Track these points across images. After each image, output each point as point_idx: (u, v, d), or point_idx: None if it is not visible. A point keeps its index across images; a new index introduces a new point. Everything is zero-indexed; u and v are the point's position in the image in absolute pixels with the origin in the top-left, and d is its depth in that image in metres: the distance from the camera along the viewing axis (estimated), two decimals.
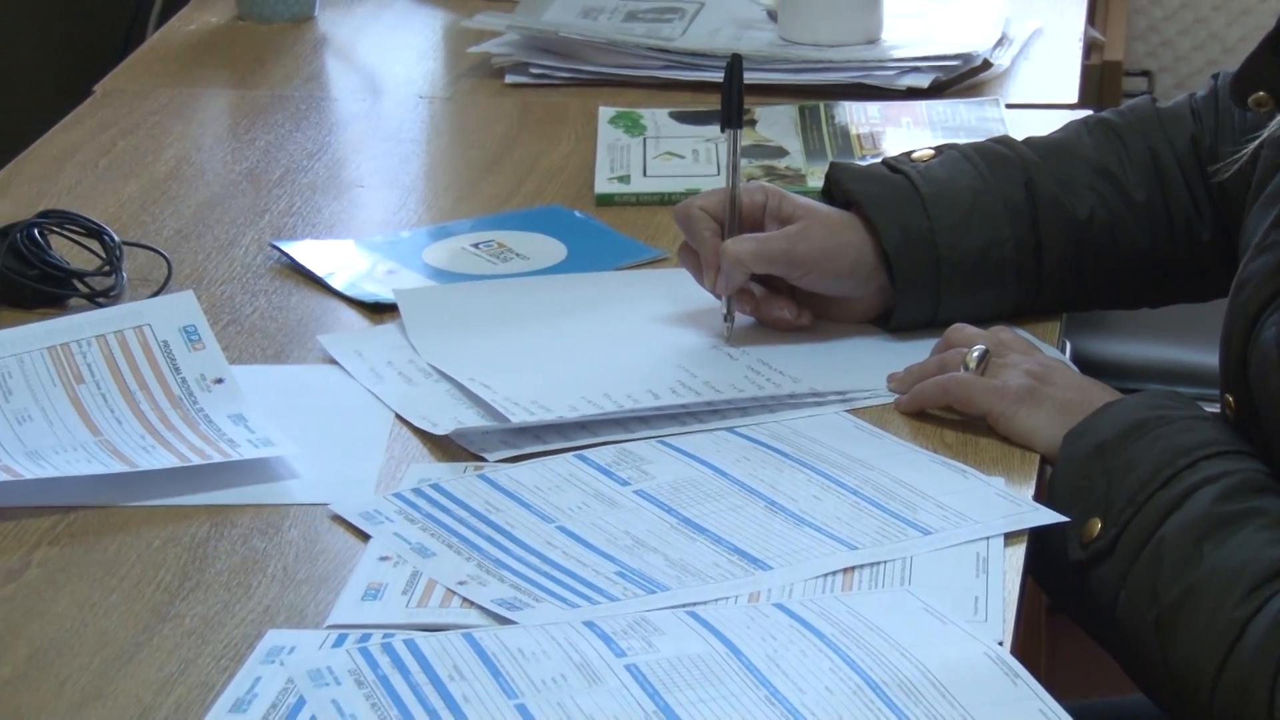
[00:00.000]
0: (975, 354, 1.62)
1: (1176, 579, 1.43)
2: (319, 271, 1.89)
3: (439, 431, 1.61)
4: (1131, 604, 1.45)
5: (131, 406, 1.62)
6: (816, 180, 2.04)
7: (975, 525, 1.47)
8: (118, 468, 1.56)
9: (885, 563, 1.44)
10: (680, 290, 1.83)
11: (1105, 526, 1.48)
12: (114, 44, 2.52)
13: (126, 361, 1.65)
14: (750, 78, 2.27)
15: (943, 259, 1.72)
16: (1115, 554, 1.47)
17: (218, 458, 1.57)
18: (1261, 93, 1.60)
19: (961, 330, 1.68)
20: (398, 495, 1.53)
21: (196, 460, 1.57)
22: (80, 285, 1.85)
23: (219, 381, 1.65)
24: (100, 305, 1.81)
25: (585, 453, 1.58)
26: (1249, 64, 1.61)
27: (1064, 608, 1.58)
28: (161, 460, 1.57)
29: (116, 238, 1.87)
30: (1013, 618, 1.38)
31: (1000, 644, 1.34)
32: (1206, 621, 1.40)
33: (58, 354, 1.64)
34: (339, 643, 1.35)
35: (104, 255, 1.87)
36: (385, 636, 1.35)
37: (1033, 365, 1.62)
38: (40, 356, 1.64)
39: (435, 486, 1.53)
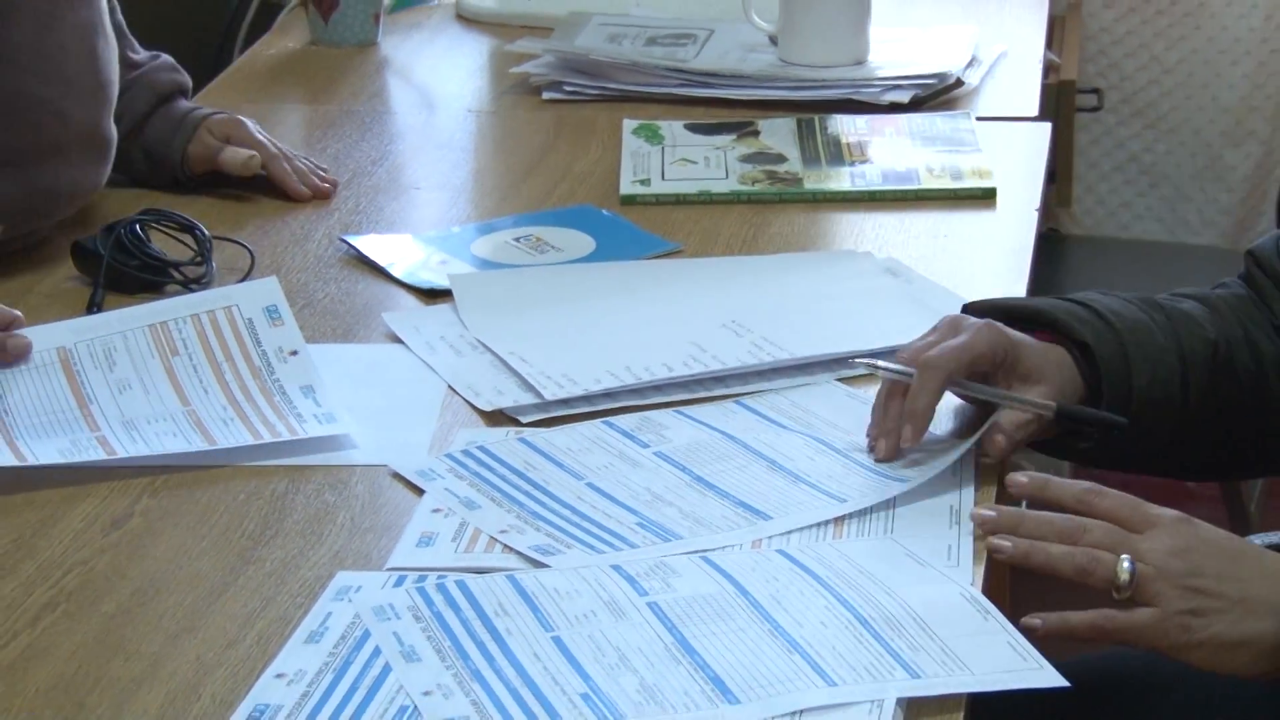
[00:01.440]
0: (1125, 571, 1.32)
1: None
2: (381, 262, 1.89)
3: (483, 405, 1.61)
4: None
5: (217, 376, 1.62)
6: (813, 183, 2.04)
7: (940, 462, 1.47)
8: (199, 444, 1.56)
9: (871, 514, 1.44)
10: (691, 278, 1.84)
11: None
12: (206, 66, 2.52)
13: (216, 336, 1.65)
14: (754, 94, 2.29)
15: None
16: None
17: (286, 435, 1.57)
18: None
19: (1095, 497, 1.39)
20: (448, 455, 1.53)
21: (268, 438, 1.57)
22: (176, 274, 1.85)
23: (294, 354, 1.65)
24: (192, 290, 1.81)
25: (611, 419, 1.57)
26: None
27: None
28: (237, 437, 1.57)
29: (207, 232, 1.88)
30: (982, 563, 1.38)
31: (971, 584, 1.34)
32: None
33: (157, 331, 1.65)
34: (399, 583, 1.35)
35: (196, 248, 1.87)
36: (438, 578, 1.36)
37: (1178, 567, 1.33)
38: (142, 333, 1.65)
39: (481, 448, 1.53)
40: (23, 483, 1.51)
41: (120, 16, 2.10)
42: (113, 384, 1.61)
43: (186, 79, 2.11)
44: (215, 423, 1.59)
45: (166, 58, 2.10)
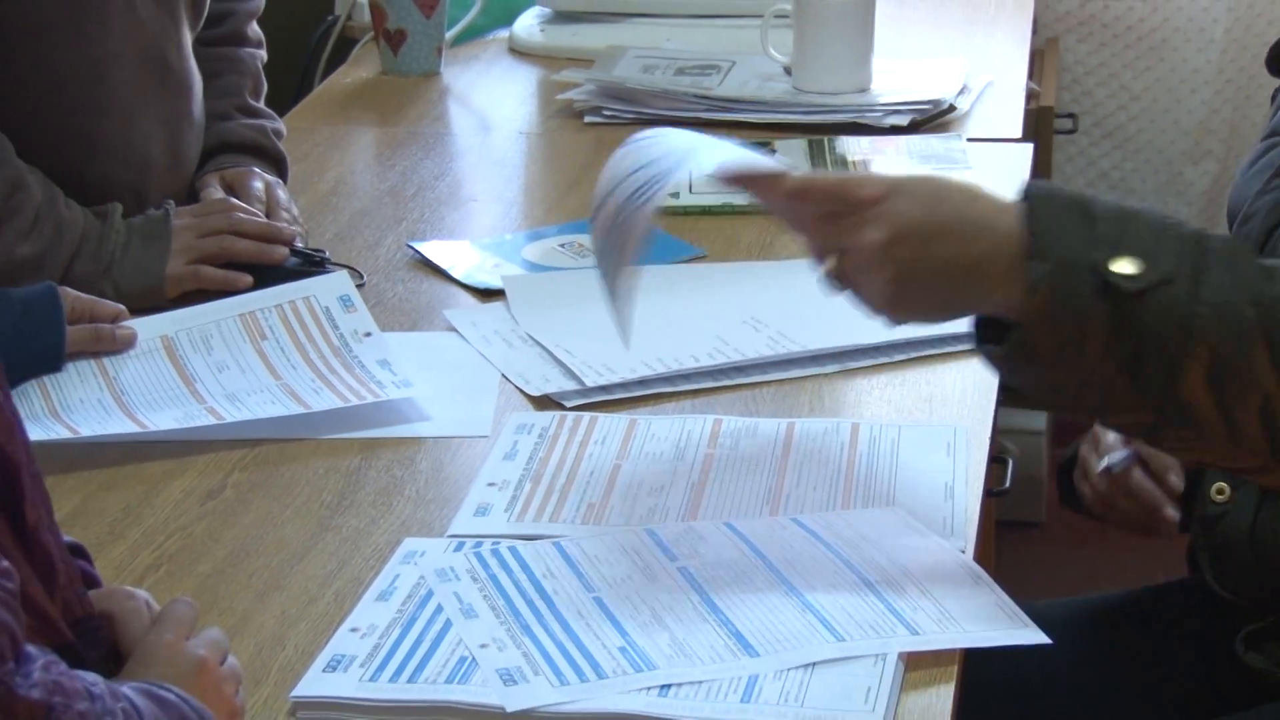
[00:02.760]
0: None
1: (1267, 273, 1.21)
2: (443, 265, 1.89)
3: (532, 391, 1.61)
4: (1224, 306, 1.20)
5: (303, 355, 1.63)
6: None
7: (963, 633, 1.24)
8: (295, 409, 1.56)
9: (875, 488, 1.43)
10: (715, 280, 1.83)
11: (1149, 261, 1.21)
12: (290, 93, 2.52)
13: (298, 322, 1.66)
14: (770, 118, 2.29)
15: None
16: (1176, 280, 1.21)
17: (369, 398, 1.58)
18: None
19: None
20: (476, 553, 1.34)
21: (354, 400, 1.57)
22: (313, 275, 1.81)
23: (368, 335, 1.66)
24: None
25: (654, 527, 1.37)
26: None
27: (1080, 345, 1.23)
28: (327, 401, 1.57)
29: (328, 254, 1.87)
30: (974, 533, 1.37)
31: (963, 552, 1.34)
32: None
33: (246, 319, 1.66)
34: (458, 548, 1.35)
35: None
36: (493, 544, 1.36)
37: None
38: (233, 321, 1.66)
39: (512, 549, 1.34)
40: (130, 459, 1.51)
41: (258, 63, 2.09)
42: (212, 365, 1.63)
43: (269, 143, 2.03)
44: (307, 391, 1.59)
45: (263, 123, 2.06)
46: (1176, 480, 1.62)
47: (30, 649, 0.92)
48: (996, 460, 1.64)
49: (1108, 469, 1.64)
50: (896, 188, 1.28)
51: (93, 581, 1.23)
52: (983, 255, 1.25)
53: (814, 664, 1.19)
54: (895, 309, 1.31)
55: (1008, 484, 1.92)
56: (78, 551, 1.23)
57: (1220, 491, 1.57)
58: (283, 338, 1.65)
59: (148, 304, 1.74)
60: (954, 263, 1.26)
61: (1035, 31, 2.75)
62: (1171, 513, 1.62)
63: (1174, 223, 1.26)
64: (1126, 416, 1.28)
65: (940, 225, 1.26)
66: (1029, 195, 1.26)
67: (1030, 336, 1.24)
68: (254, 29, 2.09)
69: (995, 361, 1.29)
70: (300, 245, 1.85)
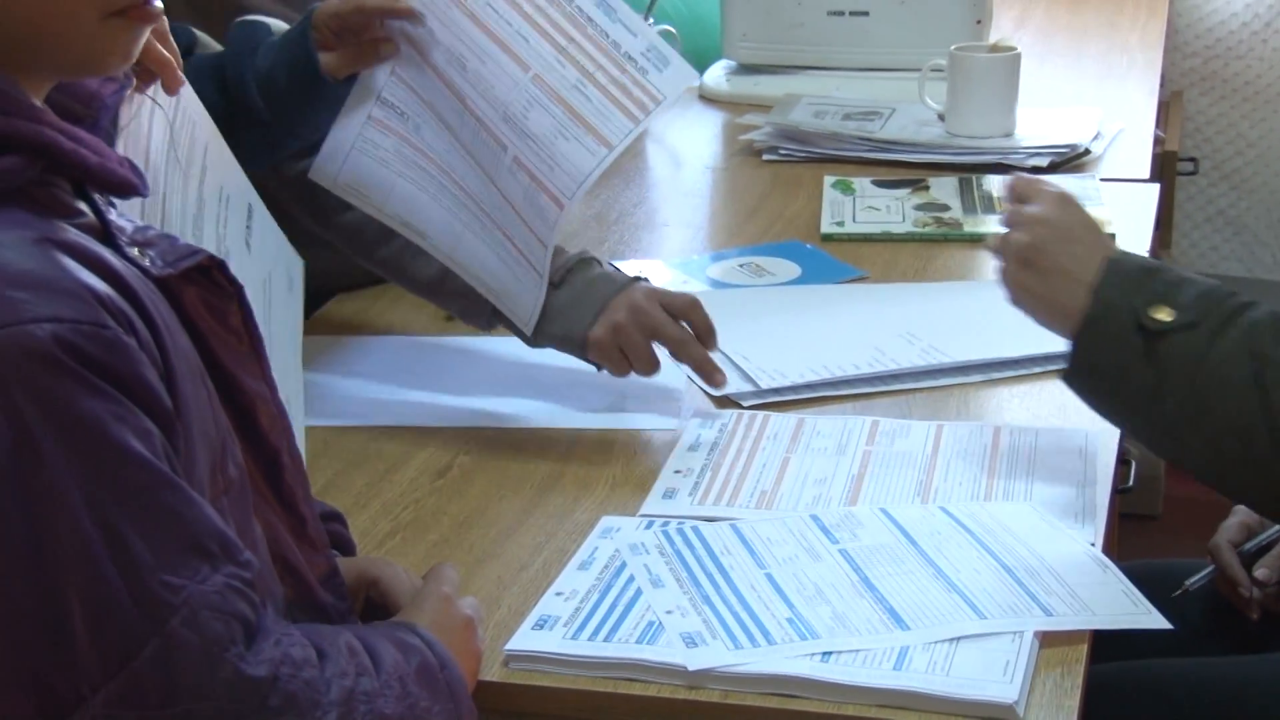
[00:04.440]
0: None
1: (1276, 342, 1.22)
2: None
3: (713, 392, 1.59)
4: (1223, 362, 1.22)
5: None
6: (970, 227, 2.00)
7: (1093, 616, 1.20)
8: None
9: (1015, 484, 1.40)
10: (875, 299, 1.80)
11: (1180, 311, 1.24)
12: None
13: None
14: (925, 158, 2.25)
15: None
16: (1199, 327, 1.23)
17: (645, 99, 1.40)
18: None
19: None
20: (664, 531, 1.32)
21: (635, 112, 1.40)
22: None
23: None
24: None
25: (818, 513, 1.35)
26: None
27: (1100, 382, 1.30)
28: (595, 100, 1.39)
29: None
30: (1102, 527, 1.33)
31: (1093, 544, 1.30)
32: None
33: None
34: (649, 526, 1.34)
35: None
36: (679, 523, 1.34)
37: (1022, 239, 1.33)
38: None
39: (695, 529, 1.32)
40: (375, 439, 1.52)
41: None
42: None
43: None
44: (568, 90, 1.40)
45: None
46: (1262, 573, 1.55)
47: (270, 624, 0.92)
48: (1122, 462, 1.59)
49: (1185, 590, 1.56)
50: (1055, 209, 1.35)
51: (347, 543, 1.24)
52: (1070, 287, 1.30)
53: (958, 638, 1.16)
54: (1014, 296, 1.35)
55: (1131, 482, 1.86)
56: (336, 518, 1.24)
57: None
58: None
59: None
60: (1053, 284, 1.31)
61: (1162, 85, 2.68)
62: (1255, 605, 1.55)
63: (1227, 293, 1.27)
64: (1159, 440, 1.30)
65: (1057, 256, 1.32)
66: (1114, 257, 1.30)
67: (1080, 360, 1.29)
68: None
69: (1064, 379, 1.33)
70: None
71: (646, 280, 1.59)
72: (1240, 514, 1.56)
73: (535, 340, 1.56)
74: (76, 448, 0.83)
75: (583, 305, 1.54)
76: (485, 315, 1.58)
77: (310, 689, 0.90)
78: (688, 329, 1.54)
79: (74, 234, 0.90)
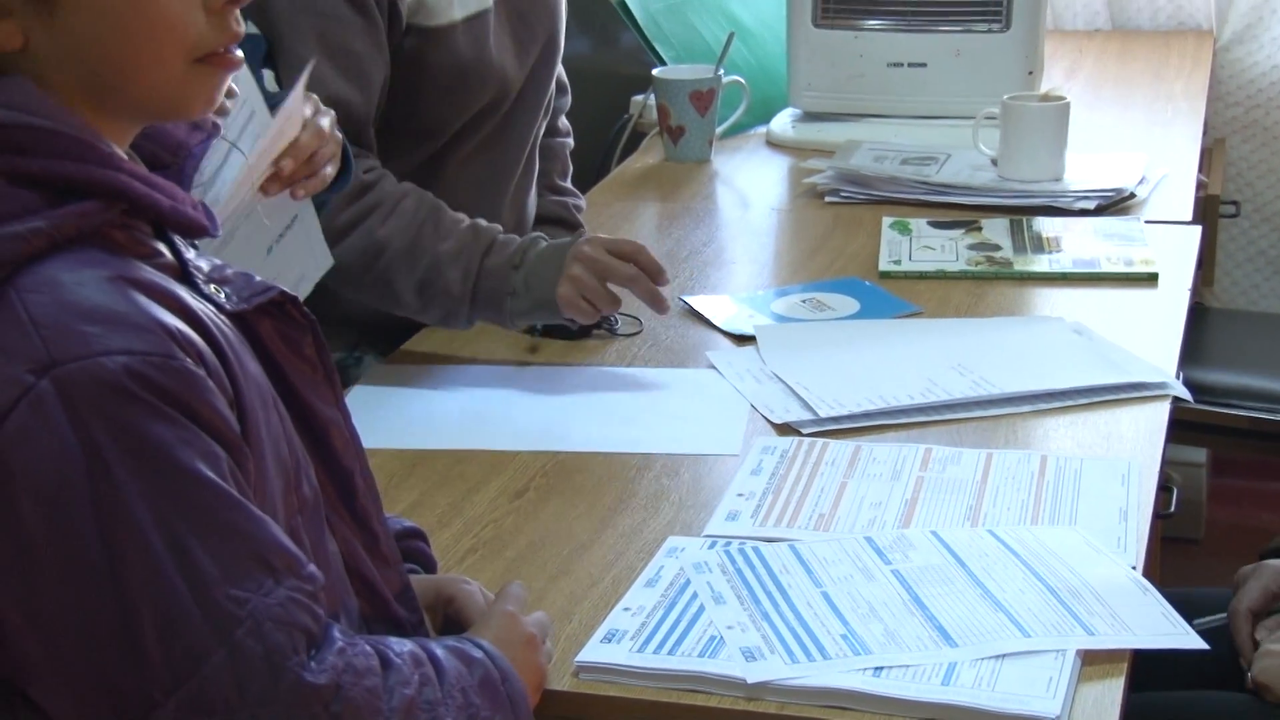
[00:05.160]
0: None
1: None
2: (707, 314, 1.87)
3: (775, 419, 1.58)
4: None
5: None
6: (1020, 266, 1.98)
7: (1133, 636, 1.18)
8: None
9: (1060, 509, 1.38)
10: (929, 333, 1.79)
11: None
12: (592, 175, 2.54)
13: None
14: (978, 200, 2.23)
15: None
16: None
17: None
18: None
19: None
20: (726, 550, 1.31)
21: None
22: (605, 323, 1.80)
23: None
24: (617, 336, 1.80)
25: (872, 535, 1.33)
26: None
27: None
28: None
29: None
30: (1143, 552, 1.31)
31: (1134, 568, 1.28)
32: None
33: None
34: (712, 546, 1.33)
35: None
36: (740, 544, 1.33)
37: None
38: None
39: (755, 549, 1.30)
40: (458, 462, 1.52)
41: (566, 150, 2.08)
42: None
43: (569, 216, 2.04)
44: None
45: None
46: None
47: (336, 634, 0.92)
48: (1164, 488, 1.57)
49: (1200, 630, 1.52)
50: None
51: (429, 559, 1.24)
52: None
53: (1004, 655, 1.15)
54: None
55: (1173, 508, 1.83)
56: (419, 535, 1.24)
57: None
58: None
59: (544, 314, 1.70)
60: None
61: (1205, 132, 2.65)
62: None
63: None
64: None
65: None
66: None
67: None
68: (564, 122, 2.10)
69: None
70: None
71: (587, 233, 1.73)
72: (1265, 577, 1.48)
73: (511, 323, 1.71)
74: (146, 471, 0.84)
75: (543, 275, 1.67)
76: (463, 318, 1.72)
77: (372, 696, 0.91)
78: (634, 268, 1.66)
79: (148, 272, 0.91)
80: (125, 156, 0.94)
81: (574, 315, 1.68)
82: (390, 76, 1.74)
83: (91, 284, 0.87)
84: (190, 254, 0.98)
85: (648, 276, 1.67)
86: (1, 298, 0.85)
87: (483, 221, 1.75)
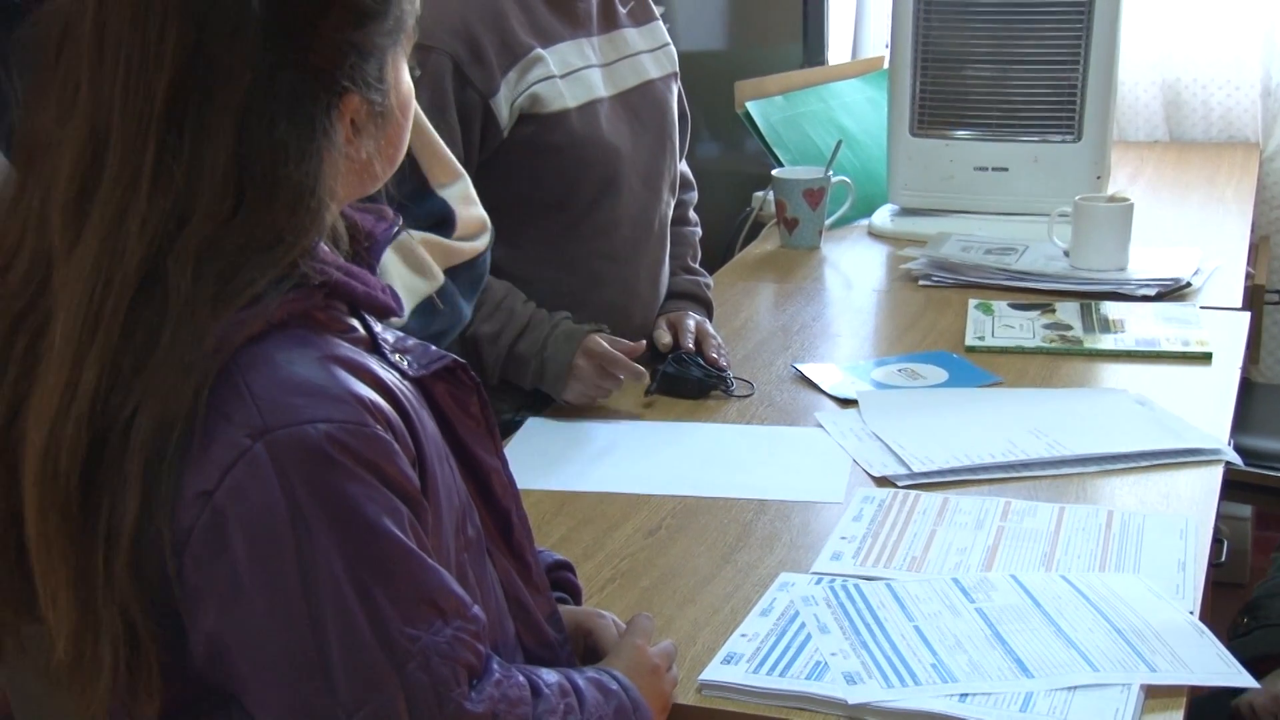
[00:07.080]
0: None
1: None
2: (815, 380, 1.85)
3: (874, 472, 1.55)
4: None
5: None
6: (1089, 344, 1.93)
7: (1191, 674, 1.13)
8: None
9: (1125, 559, 1.33)
10: (1009, 400, 1.74)
11: None
12: (719, 258, 2.53)
13: None
14: (1052, 286, 2.18)
15: None
16: None
17: None
18: None
19: None
20: (830, 585, 1.28)
21: None
22: (722, 385, 1.78)
23: None
24: (733, 397, 1.77)
25: (958, 577, 1.30)
26: None
27: None
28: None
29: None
30: (1200, 599, 1.26)
31: (1191, 613, 1.23)
32: None
33: None
34: (818, 582, 1.31)
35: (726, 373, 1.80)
36: (843, 581, 1.30)
37: None
38: None
39: (857, 586, 1.28)
40: (600, 503, 1.51)
41: (696, 237, 2.05)
42: None
43: (701, 293, 2.01)
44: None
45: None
46: None
47: (495, 666, 0.91)
48: (1215, 540, 1.51)
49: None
50: None
51: (575, 589, 1.23)
52: None
53: (1075, 687, 1.10)
54: None
55: (1223, 558, 1.77)
56: (568, 567, 1.23)
57: None
58: None
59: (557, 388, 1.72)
60: None
61: (1252, 230, 2.57)
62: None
63: None
64: None
65: None
66: None
67: None
68: (693, 214, 2.10)
69: None
70: (722, 363, 1.83)
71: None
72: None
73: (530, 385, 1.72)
74: (340, 525, 0.84)
75: (549, 370, 1.71)
76: (527, 377, 1.73)
77: None
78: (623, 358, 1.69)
79: (346, 349, 0.91)
80: (326, 248, 0.95)
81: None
82: (511, 160, 1.74)
83: (301, 362, 0.87)
84: (378, 327, 0.98)
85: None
86: (225, 373, 0.85)
87: (522, 306, 1.74)
